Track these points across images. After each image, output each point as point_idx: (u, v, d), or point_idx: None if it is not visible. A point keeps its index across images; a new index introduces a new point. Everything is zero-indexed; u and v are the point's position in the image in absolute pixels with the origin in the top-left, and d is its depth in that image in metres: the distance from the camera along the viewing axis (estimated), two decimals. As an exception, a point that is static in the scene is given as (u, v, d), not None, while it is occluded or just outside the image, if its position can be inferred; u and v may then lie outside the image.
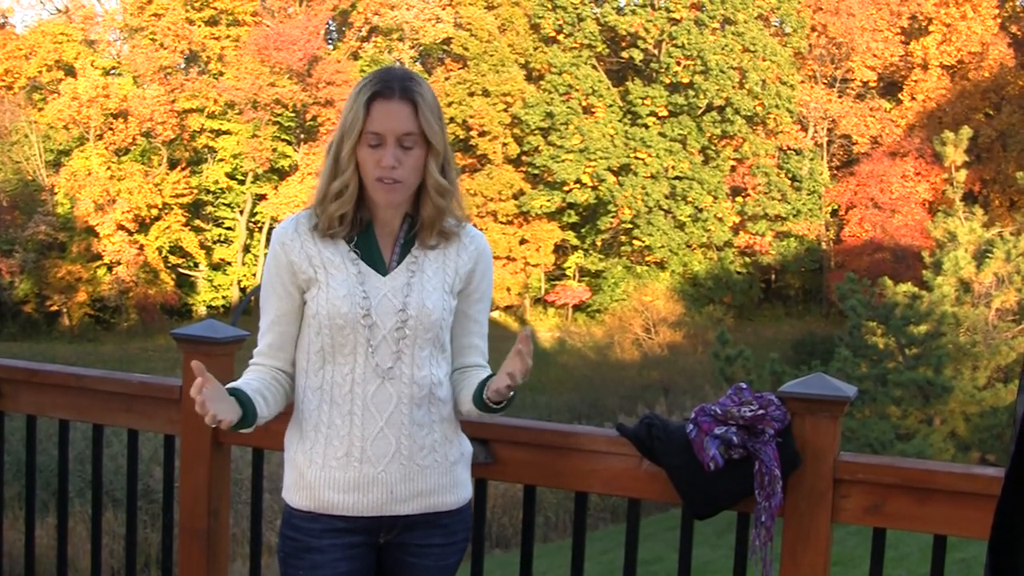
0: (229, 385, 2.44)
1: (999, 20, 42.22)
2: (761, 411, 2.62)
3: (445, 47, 44.15)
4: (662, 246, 40.06)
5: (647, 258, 40.87)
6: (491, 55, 41.05)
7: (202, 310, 39.76)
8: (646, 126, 40.90)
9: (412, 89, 2.43)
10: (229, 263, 40.82)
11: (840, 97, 42.90)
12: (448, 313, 2.51)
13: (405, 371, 2.45)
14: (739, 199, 41.36)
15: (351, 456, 2.45)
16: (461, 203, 2.54)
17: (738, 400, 2.67)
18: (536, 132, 40.74)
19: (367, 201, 2.50)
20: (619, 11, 42.03)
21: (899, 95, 43.33)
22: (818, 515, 2.68)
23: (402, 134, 2.41)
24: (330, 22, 44.59)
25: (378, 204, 2.48)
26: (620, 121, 41.31)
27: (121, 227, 36.89)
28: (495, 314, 39.61)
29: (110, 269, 37.43)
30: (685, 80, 40.14)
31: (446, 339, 2.54)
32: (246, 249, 40.83)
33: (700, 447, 2.63)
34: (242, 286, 40.39)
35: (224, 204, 41.20)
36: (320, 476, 2.46)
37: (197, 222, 40.25)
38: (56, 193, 37.60)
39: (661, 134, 40.73)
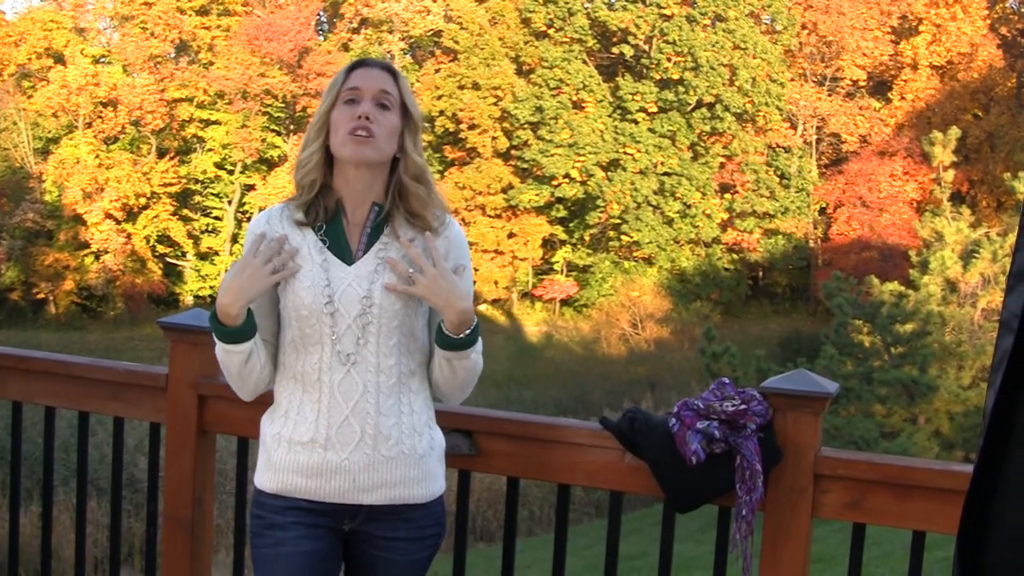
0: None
1: (989, 21, 42.35)
2: (743, 406, 2.64)
3: (436, 39, 44.09)
4: (650, 242, 40.06)
5: (635, 253, 40.87)
6: (481, 48, 40.98)
7: (189, 299, 39.67)
8: (636, 122, 40.90)
9: (392, 65, 2.48)
10: (217, 253, 40.75)
11: (830, 95, 42.98)
12: (416, 302, 2.45)
13: (371, 359, 2.42)
14: (727, 196, 41.42)
15: (315, 442, 2.43)
16: (441, 198, 2.52)
17: (720, 395, 2.69)
18: (525, 126, 40.67)
19: (334, 183, 2.48)
20: (610, 6, 42.00)
21: (888, 94, 43.44)
22: (798, 510, 2.69)
23: (380, 90, 2.42)
24: (321, 13, 44.55)
25: (346, 162, 2.43)
26: (610, 116, 41.29)
27: (109, 216, 36.80)
28: (482, 307, 39.59)
29: (97, 257, 37.31)
30: (675, 76, 40.15)
31: (417, 328, 2.49)
32: (234, 239, 40.71)
33: (682, 441, 2.64)
34: (230, 276, 40.29)
35: (212, 194, 41.13)
36: (286, 459, 2.46)
37: (185, 211, 40.17)
38: (44, 181, 37.49)
39: (650, 130, 40.72)
